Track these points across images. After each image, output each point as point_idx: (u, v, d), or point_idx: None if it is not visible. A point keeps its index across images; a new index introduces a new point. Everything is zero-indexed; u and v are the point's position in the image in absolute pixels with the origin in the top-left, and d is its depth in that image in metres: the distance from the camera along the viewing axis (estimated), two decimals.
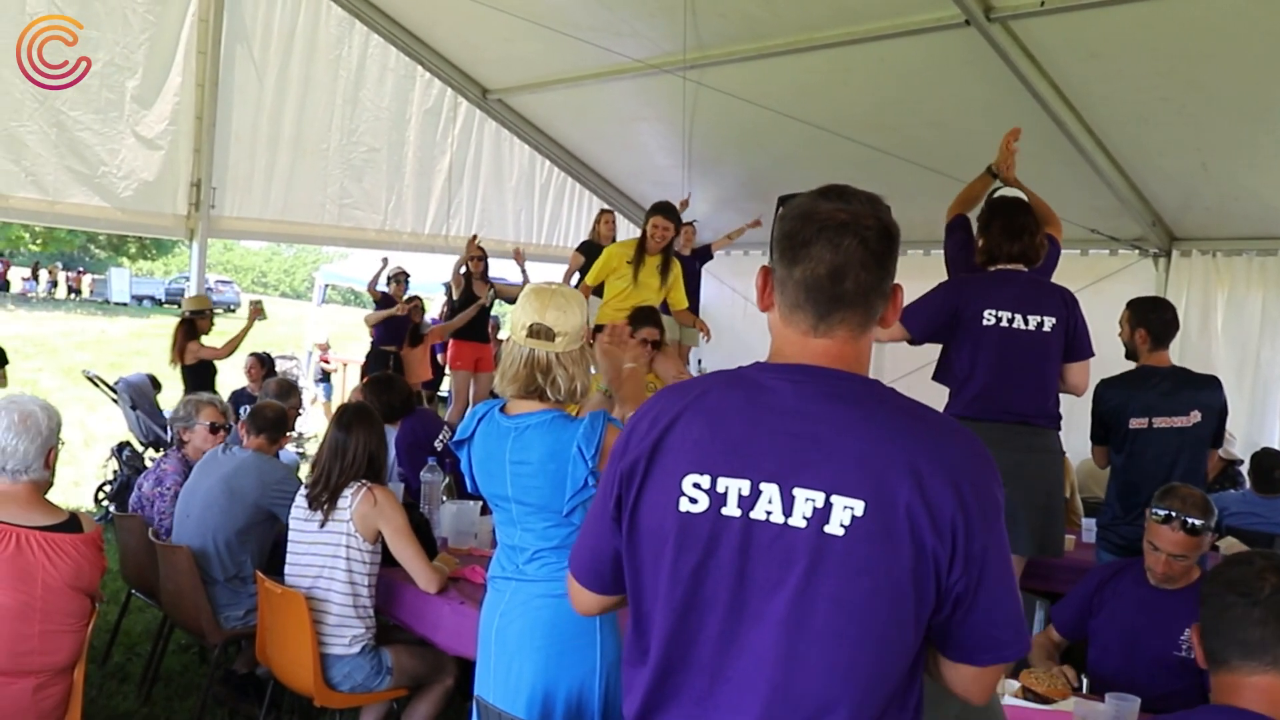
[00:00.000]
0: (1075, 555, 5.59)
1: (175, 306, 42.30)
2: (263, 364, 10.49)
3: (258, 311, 9.61)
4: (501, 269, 11.17)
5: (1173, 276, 8.78)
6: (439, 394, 12.40)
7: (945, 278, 4.89)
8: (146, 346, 25.92)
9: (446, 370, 11.64)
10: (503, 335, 11.73)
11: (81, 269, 50.54)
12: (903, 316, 4.37)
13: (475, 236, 10.49)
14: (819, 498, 1.67)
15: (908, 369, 7.40)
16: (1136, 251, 8.89)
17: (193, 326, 8.88)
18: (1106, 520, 5.12)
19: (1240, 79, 6.50)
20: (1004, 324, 4.46)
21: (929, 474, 1.66)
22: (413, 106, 10.32)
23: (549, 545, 2.88)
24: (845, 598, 1.66)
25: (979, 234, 4.76)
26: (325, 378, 14.87)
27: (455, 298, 10.81)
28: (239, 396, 9.79)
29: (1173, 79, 6.72)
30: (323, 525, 4.22)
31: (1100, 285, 8.78)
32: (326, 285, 18.97)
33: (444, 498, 5.28)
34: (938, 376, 4.78)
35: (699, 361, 10.72)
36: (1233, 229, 8.39)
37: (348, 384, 14.01)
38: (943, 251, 5.11)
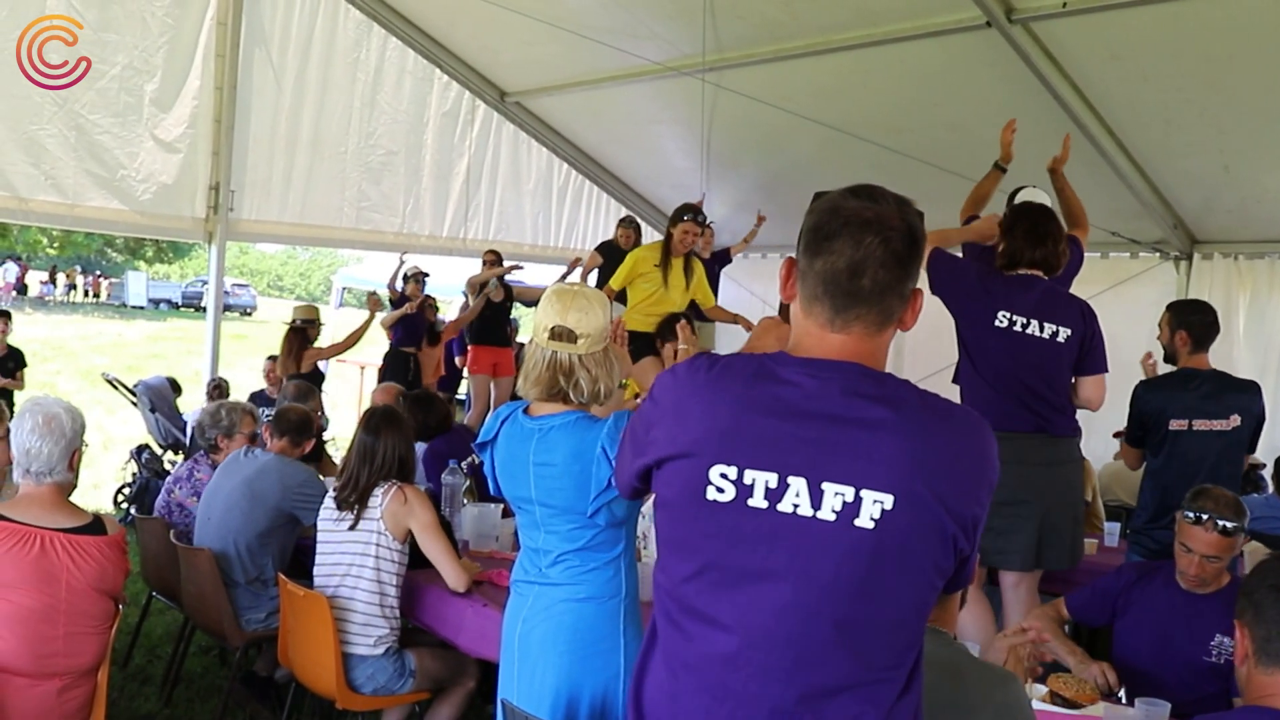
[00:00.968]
0: (1098, 559, 5.55)
1: (192, 310, 42.57)
2: None
3: (377, 304, 9.81)
4: (516, 271, 11.13)
5: (1194, 279, 8.72)
6: (457, 397, 12.38)
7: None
8: (164, 350, 26.05)
9: (465, 374, 11.61)
10: (521, 338, 11.75)
11: (99, 272, 50.75)
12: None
13: (490, 252, 10.46)
14: (848, 492, 1.71)
15: (929, 371, 7.37)
16: (1158, 254, 8.84)
17: (304, 334, 8.90)
18: (1141, 524, 5.08)
19: (1263, 80, 6.45)
20: (1016, 329, 4.40)
21: (952, 468, 1.74)
22: (431, 109, 10.34)
23: (573, 548, 2.86)
24: (874, 588, 1.72)
25: (1001, 236, 4.70)
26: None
27: (472, 301, 10.79)
28: (257, 399, 9.80)
29: (1195, 80, 6.69)
30: (353, 526, 4.22)
31: (1121, 288, 8.75)
32: (344, 288, 18.98)
33: (465, 501, 5.27)
34: (959, 380, 4.74)
35: None
36: (1255, 232, 8.34)
37: (365, 386, 14.01)
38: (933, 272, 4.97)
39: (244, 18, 8.94)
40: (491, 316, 10.42)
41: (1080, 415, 4.63)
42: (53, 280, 45.41)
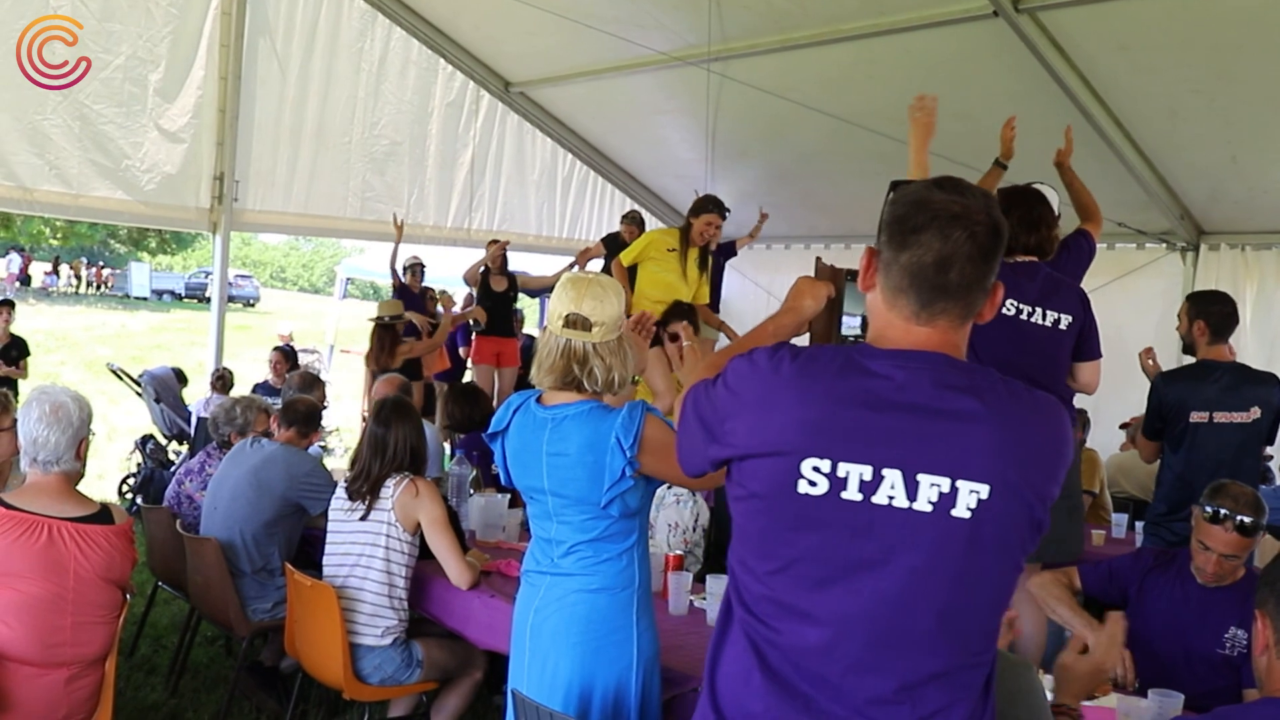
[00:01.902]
0: (1105, 550, 5.54)
1: (195, 301, 42.53)
2: (286, 358, 10.50)
3: (449, 302, 10.20)
4: (521, 262, 11.12)
5: (1201, 270, 8.69)
6: None
7: None
8: (167, 340, 26.07)
9: (469, 364, 11.59)
10: (528, 330, 11.71)
11: (102, 263, 50.72)
12: None
13: (494, 242, 10.41)
14: (944, 483, 1.73)
15: None
16: (1164, 245, 8.82)
17: (393, 330, 8.97)
18: (1158, 515, 5.06)
19: (1271, 71, 6.42)
20: (1022, 316, 4.37)
21: (1047, 459, 1.79)
22: (435, 100, 10.31)
23: (586, 538, 2.84)
24: (971, 576, 1.76)
25: None
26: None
27: (475, 293, 10.75)
28: (262, 389, 9.80)
29: (1203, 71, 6.66)
30: (365, 516, 4.22)
31: (1127, 279, 8.73)
32: (348, 279, 18.97)
33: (471, 490, 5.26)
34: None
35: None
36: (1262, 222, 8.31)
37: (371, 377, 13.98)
38: None
39: (248, 7, 8.91)
40: (495, 307, 10.38)
41: (1090, 408, 4.62)
42: (56, 271, 45.40)
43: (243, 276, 48.02)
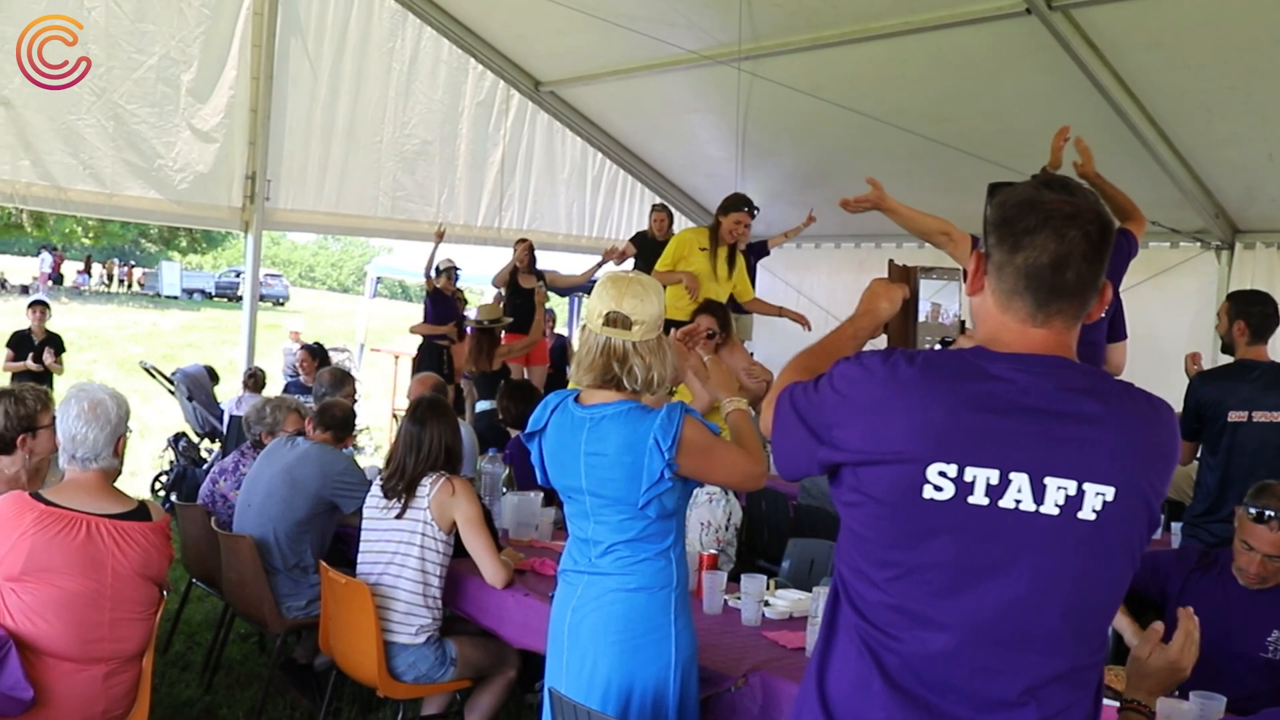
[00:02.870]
0: None
1: (225, 300, 42.75)
2: (314, 356, 10.53)
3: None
4: (550, 260, 11.13)
5: (1235, 269, 8.60)
6: None
7: None
8: (198, 339, 26.23)
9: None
10: (558, 330, 11.71)
11: (133, 262, 51.07)
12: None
13: (520, 241, 10.40)
14: (1071, 486, 1.74)
15: None
16: (1199, 244, 8.73)
17: (491, 334, 9.07)
18: (1196, 515, 5.02)
19: None
20: None
21: (1161, 459, 1.81)
22: (465, 99, 10.34)
23: (623, 538, 2.84)
24: (1095, 576, 1.79)
25: None
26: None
27: (504, 294, 10.75)
28: (292, 388, 9.84)
29: (1238, 67, 6.60)
30: (400, 515, 4.22)
31: (1161, 279, 8.65)
32: (378, 278, 19.05)
33: (504, 489, 5.27)
34: None
35: (750, 355, 10.62)
36: None
37: (400, 375, 14.05)
38: None
39: (280, 7, 8.97)
40: (524, 305, 10.37)
41: None
42: (88, 270, 45.74)
43: (272, 275, 48.21)
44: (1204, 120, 7.25)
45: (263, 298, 38.18)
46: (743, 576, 3.91)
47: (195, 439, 9.86)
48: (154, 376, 11.08)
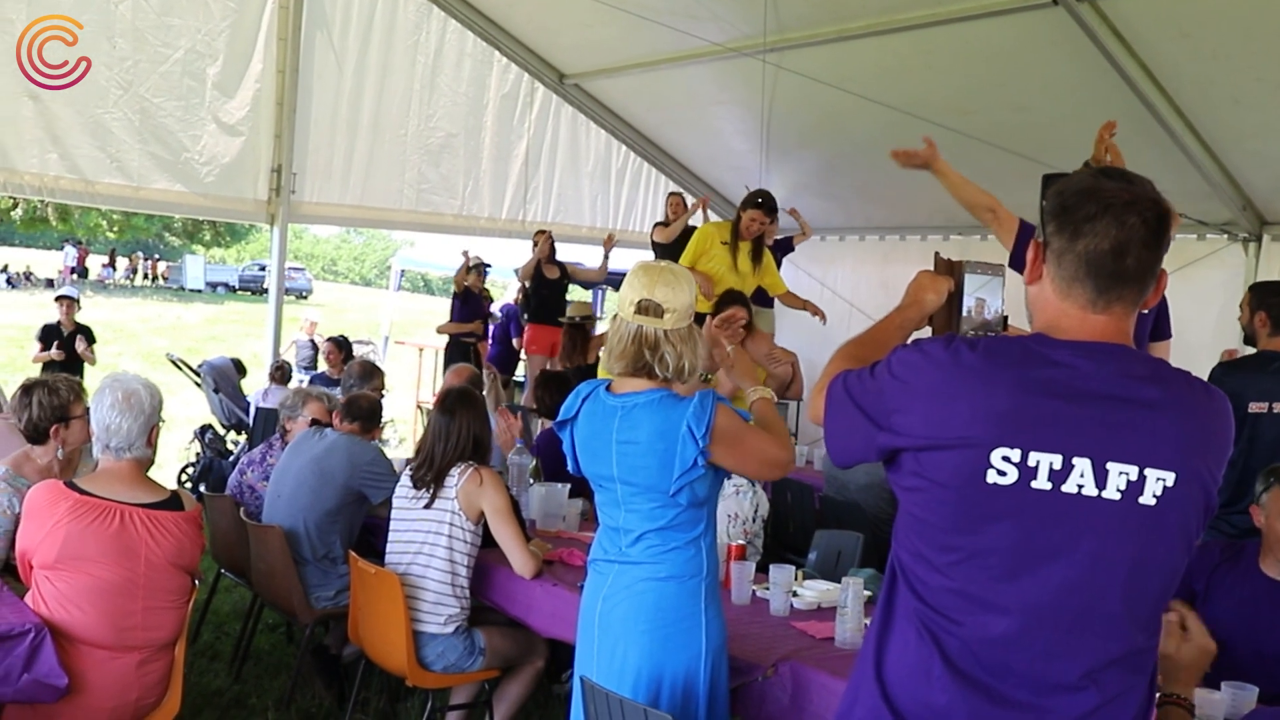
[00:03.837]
0: None
1: (249, 293, 42.93)
2: (340, 348, 10.58)
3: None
4: (574, 253, 11.12)
5: (1263, 262, 8.53)
6: (514, 378, 12.41)
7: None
8: (222, 332, 26.34)
9: (522, 355, 11.63)
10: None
11: (157, 256, 51.35)
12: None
13: (540, 233, 10.40)
14: (1132, 471, 1.77)
15: None
16: (1225, 236, 8.67)
17: (583, 329, 9.14)
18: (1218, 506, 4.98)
19: None
20: None
21: (1219, 446, 1.84)
22: (490, 91, 10.34)
23: (654, 527, 2.85)
24: (1155, 561, 1.82)
25: None
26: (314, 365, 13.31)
27: (528, 285, 10.77)
28: (319, 380, 9.89)
29: (1267, 58, 6.54)
30: (429, 505, 4.24)
31: (1187, 270, 8.58)
32: (402, 271, 19.08)
33: (531, 480, 5.28)
34: None
35: (771, 338, 10.60)
36: None
37: (423, 369, 14.10)
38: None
39: (305, 1, 8.99)
40: (549, 296, 10.39)
41: None
42: (112, 263, 46.03)
43: (295, 269, 48.36)
44: (1231, 111, 7.19)
45: (286, 291, 38.34)
46: (771, 567, 3.92)
47: (221, 431, 9.92)
48: (180, 369, 11.14)
